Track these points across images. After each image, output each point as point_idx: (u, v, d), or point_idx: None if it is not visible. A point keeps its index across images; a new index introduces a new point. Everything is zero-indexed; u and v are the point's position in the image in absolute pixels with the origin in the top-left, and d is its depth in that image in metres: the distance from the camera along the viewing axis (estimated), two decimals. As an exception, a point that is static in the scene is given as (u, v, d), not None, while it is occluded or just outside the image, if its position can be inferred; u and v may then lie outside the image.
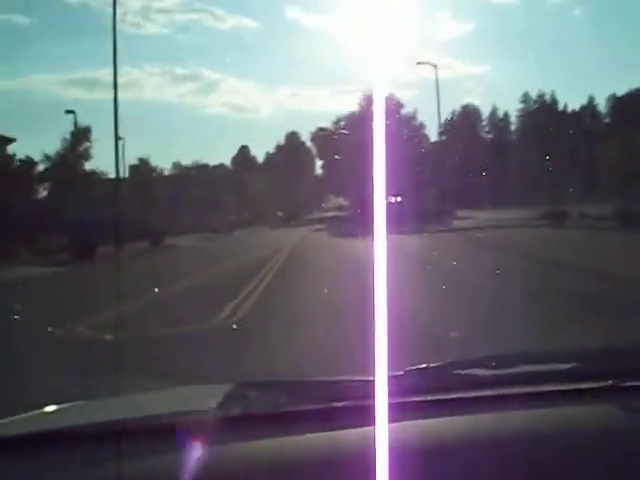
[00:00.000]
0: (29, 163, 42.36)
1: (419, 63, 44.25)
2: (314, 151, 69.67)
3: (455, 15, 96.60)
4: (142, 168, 55.45)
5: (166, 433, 1.42)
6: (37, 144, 67.06)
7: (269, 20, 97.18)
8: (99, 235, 26.44)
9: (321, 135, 62.31)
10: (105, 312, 10.57)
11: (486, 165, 52.51)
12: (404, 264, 14.50)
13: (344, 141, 50.24)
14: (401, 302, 7.69)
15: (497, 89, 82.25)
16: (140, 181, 48.28)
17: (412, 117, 48.08)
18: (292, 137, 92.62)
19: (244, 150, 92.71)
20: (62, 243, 28.60)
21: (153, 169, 58.55)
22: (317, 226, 46.08)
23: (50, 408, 1.76)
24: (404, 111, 47.23)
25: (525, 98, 73.16)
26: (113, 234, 23.80)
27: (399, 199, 35.53)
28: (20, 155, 41.38)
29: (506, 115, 73.80)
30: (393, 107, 46.53)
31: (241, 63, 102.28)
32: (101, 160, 75.68)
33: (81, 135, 44.30)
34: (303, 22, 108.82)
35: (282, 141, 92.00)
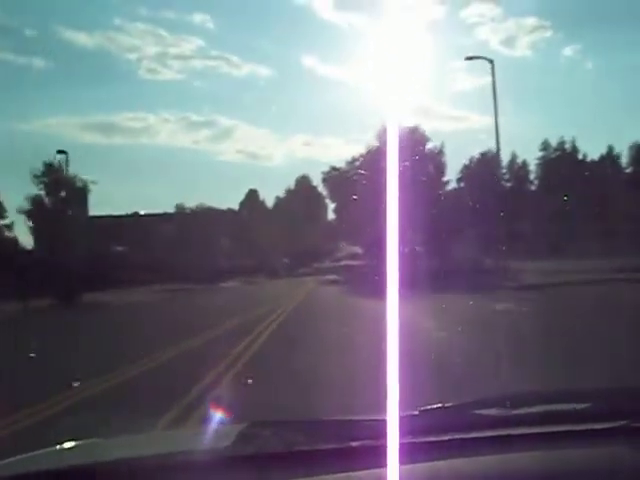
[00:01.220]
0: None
1: (468, 58, 35.48)
2: (326, 194, 62.81)
3: (469, 67, 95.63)
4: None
5: (180, 472, 1.47)
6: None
7: (284, 68, 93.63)
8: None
9: (334, 176, 55.69)
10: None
11: (512, 213, 47.11)
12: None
13: (359, 182, 43.46)
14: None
15: (512, 140, 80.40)
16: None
17: (439, 152, 41.28)
18: (303, 181, 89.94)
19: (253, 194, 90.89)
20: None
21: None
22: (328, 276, 39.57)
23: (67, 445, 1.79)
24: (430, 145, 40.49)
25: (545, 145, 71.38)
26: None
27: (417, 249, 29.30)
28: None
29: (525, 163, 71.80)
30: (418, 140, 39.72)
31: (256, 110, 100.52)
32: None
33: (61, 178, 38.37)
34: (319, 71, 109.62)
35: (292, 185, 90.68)
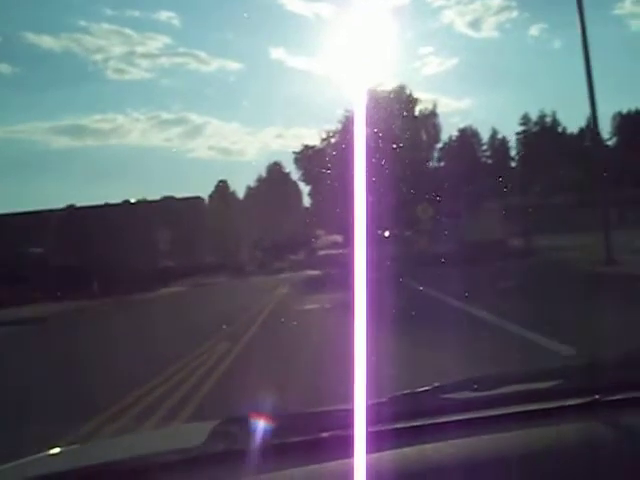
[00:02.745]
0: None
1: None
2: (299, 176, 55.86)
3: (437, 51, 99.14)
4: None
5: (153, 473, 1.49)
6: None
7: (253, 61, 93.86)
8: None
9: (307, 155, 49.15)
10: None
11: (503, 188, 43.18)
12: None
13: (334, 160, 36.73)
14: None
15: (488, 119, 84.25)
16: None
17: (431, 113, 34.87)
18: (274, 168, 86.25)
19: (222, 185, 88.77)
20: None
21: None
22: (307, 272, 32.54)
23: (53, 451, 1.84)
24: (421, 107, 34.10)
25: (525, 120, 70.21)
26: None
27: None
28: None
29: (505, 140, 71.63)
30: (405, 102, 33.26)
31: (226, 105, 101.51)
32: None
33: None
34: (288, 62, 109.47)
35: (264, 174, 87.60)
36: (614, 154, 56.32)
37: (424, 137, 33.40)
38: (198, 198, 49.29)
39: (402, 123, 32.32)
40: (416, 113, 33.65)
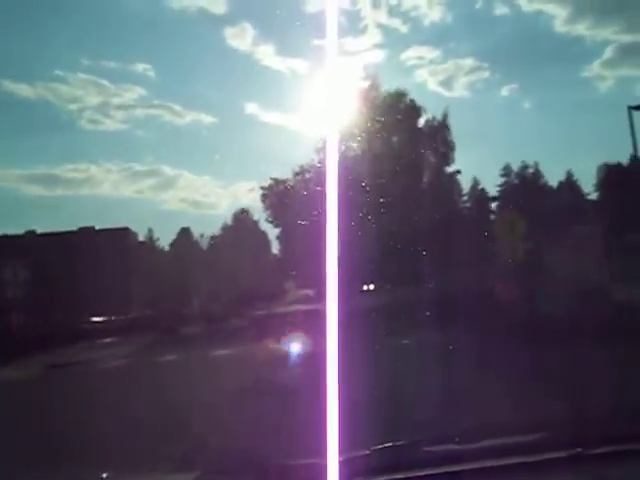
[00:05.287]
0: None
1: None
2: (267, 216, 46.93)
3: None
4: None
5: None
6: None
7: (227, 115, 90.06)
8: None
9: (277, 192, 40.64)
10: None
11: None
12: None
13: (308, 197, 28.30)
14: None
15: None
16: None
17: (440, 125, 26.29)
18: (241, 216, 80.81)
19: (185, 233, 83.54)
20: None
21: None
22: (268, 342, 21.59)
23: None
24: (427, 117, 25.67)
25: (507, 171, 67.40)
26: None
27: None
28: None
29: (484, 190, 65.12)
30: (405, 113, 25.00)
31: (199, 159, 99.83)
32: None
33: None
34: (261, 117, 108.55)
35: (230, 222, 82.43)
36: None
37: (432, 159, 25.00)
38: (126, 229, 40.26)
39: (400, 140, 23.90)
40: (420, 124, 25.33)
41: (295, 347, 18.07)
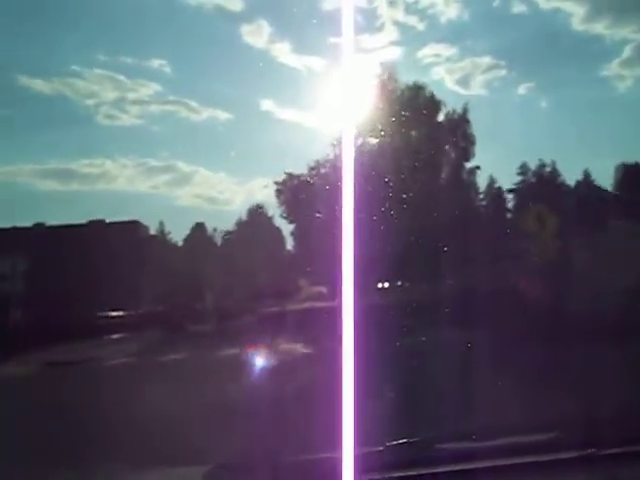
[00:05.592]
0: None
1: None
2: (281, 212, 46.26)
3: None
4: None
5: None
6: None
7: (243, 112, 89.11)
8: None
9: (291, 186, 40.20)
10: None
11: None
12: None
13: (323, 192, 28.01)
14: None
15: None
16: None
17: (460, 119, 25.45)
18: (256, 211, 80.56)
19: (199, 228, 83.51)
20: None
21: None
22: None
23: None
24: (446, 111, 24.83)
25: (523, 170, 62.31)
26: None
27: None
28: None
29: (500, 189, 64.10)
30: (422, 106, 24.22)
31: (215, 155, 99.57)
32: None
33: None
34: (277, 114, 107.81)
35: (245, 217, 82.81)
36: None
37: (452, 154, 24.20)
38: (136, 222, 39.50)
39: (419, 134, 23.11)
40: (440, 119, 24.51)
41: (306, 347, 17.35)
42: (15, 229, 32.01)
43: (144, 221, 72.53)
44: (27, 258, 27.74)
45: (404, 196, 18.71)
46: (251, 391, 10.81)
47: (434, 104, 24.56)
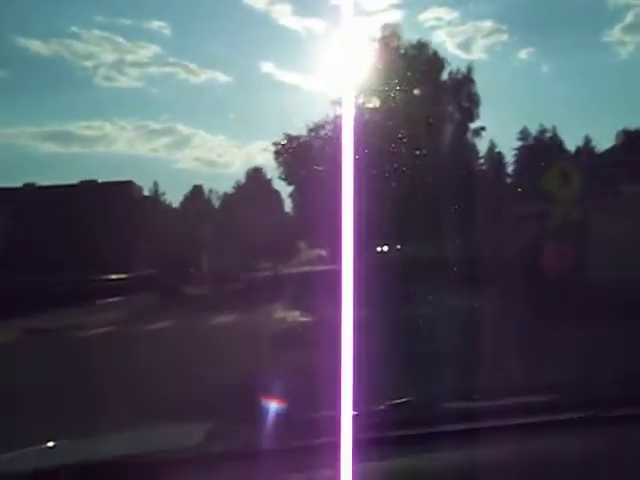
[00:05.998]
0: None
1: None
2: (280, 174, 45.13)
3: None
4: None
5: (151, 471, 1.48)
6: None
7: (242, 74, 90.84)
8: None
9: (290, 148, 38.84)
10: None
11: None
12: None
13: (324, 154, 26.80)
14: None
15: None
16: None
17: (464, 78, 24.40)
18: (254, 174, 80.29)
19: (197, 190, 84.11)
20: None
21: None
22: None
23: (49, 444, 1.76)
24: (450, 69, 23.72)
25: (523, 135, 65.42)
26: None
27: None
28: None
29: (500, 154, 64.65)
30: (427, 64, 23.10)
31: (214, 118, 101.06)
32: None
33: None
34: (277, 76, 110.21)
35: (243, 180, 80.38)
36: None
37: (456, 114, 23.16)
38: (129, 182, 38.28)
39: (422, 92, 22.05)
40: (444, 77, 23.45)
41: (305, 313, 16.65)
42: (1, 189, 30.85)
43: (145, 185, 71.43)
44: (10, 218, 26.66)
45: (403, 156, 17.90)
46: (246, 358, 10.05)
47: (438, 62, 23.55)
